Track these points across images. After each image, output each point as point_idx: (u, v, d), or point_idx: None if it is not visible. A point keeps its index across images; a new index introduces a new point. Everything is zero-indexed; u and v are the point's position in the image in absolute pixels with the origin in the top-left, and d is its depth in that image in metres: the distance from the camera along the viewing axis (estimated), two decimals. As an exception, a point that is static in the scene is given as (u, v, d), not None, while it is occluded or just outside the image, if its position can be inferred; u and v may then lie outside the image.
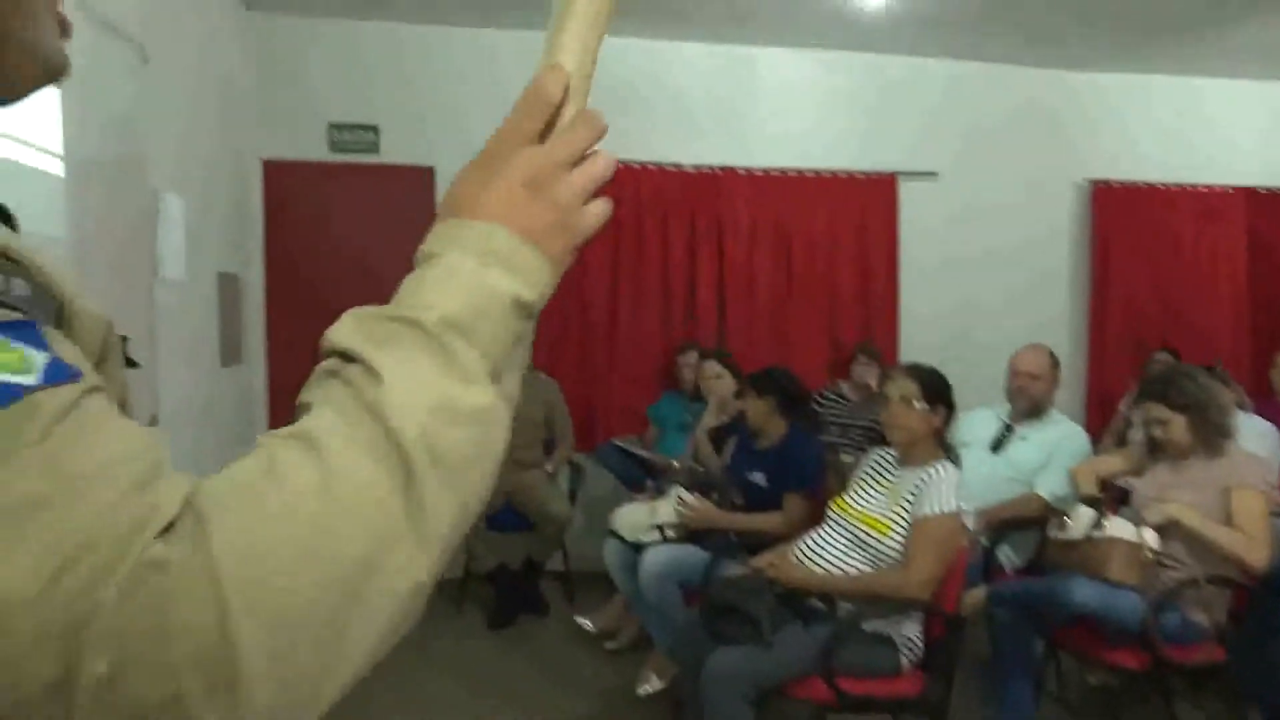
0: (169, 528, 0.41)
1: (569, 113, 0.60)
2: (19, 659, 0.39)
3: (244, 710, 0.41)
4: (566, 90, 0.60)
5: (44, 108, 2.11)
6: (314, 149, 4.81)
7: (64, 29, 0.61)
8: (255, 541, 0.42)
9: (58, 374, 0.42)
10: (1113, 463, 3.32)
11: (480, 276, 0.54)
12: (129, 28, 2.72)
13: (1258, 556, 2.72)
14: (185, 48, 3.55)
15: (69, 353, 0.45)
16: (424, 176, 4.92)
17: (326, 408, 0.48)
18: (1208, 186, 5.82)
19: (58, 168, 2.17)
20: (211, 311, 3.85)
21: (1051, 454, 3.51)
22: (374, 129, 4.86)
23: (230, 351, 4.11)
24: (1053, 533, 2.98)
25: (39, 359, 0.42)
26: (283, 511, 0.43)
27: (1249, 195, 5.86)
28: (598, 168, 0.60)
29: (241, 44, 4.54)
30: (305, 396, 0.51)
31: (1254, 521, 2.76)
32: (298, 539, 0.43)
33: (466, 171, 0.59)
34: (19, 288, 0.47)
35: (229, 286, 4.11)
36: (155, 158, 2.97)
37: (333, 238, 4.86)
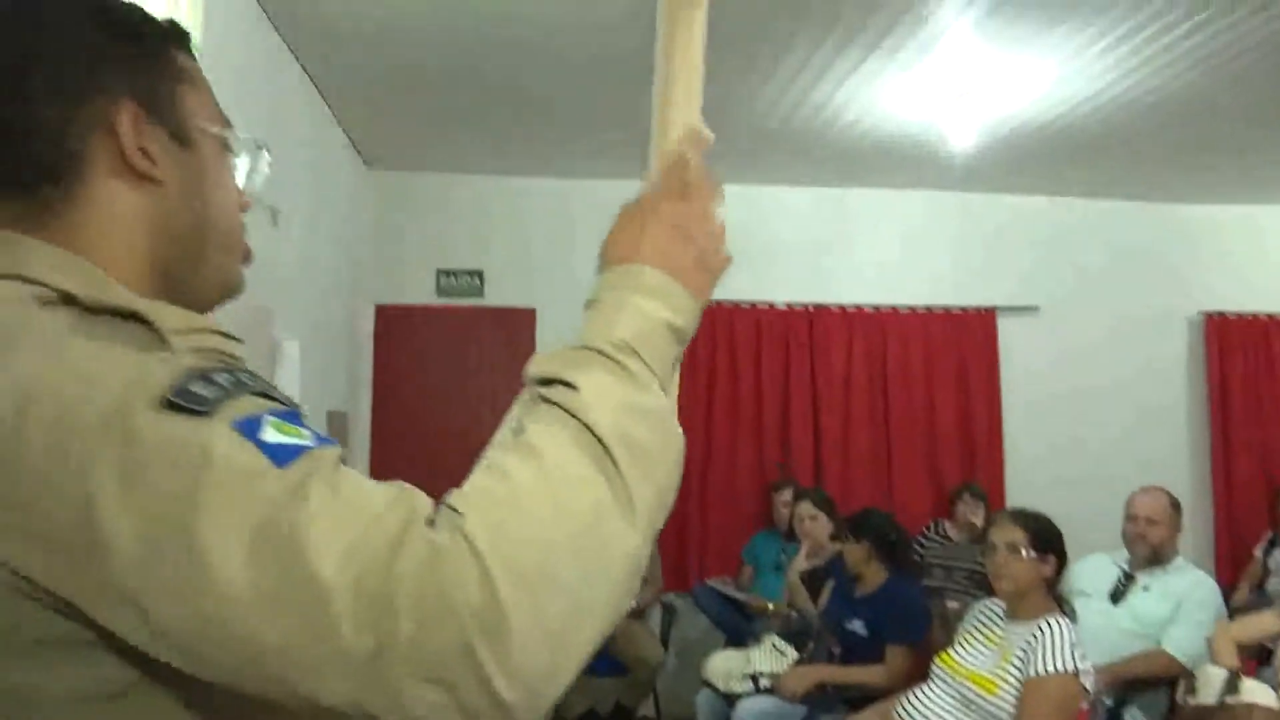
0: (430, 523, 0.54)
1: (694, 163, 0.74)
2: (346, 640, 0.50)
3: (518, 656, 0.51)
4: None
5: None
6: (423, 293, 5.09)
7: (246, 257, 0.78)
8: (498, 522, 0.53)
9: (325, 441, 0.57)
10: (1262, 624, 3.03)
11: (642, 308, 0.66)
12: (263, 193, 2.99)
13: None
14: (310, 205, 3.86)
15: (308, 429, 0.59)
16: (526, 317, 5.13)
17: (533, 420, 0.60)
18: (1331, 317, 5.54)
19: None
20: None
21: (1179, 605, 3.26)
22: (479, 274, 5.12)
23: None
24: (1182, 698, 2.73)
25: (309, 433, 0.57)
26: (513, 497, 0.55)
27: (1381, 326, 5.54)
28: (721, 216, 0.73)
29: (360, 199, 4.91)
30: (513, 415, 0.64)
31: None
32: (530, 517, 0.54)
33: (621, 224, 0.72)
34: (279, 391, 0.61)
35: (338, 424, 4.30)
36: (278, 308, 3.19)
37: (437, 375, 5.07)
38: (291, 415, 0.58)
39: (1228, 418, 5.39)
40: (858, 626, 3.33)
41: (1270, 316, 5.51)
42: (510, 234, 5.18)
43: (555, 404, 0.60)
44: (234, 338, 0.68)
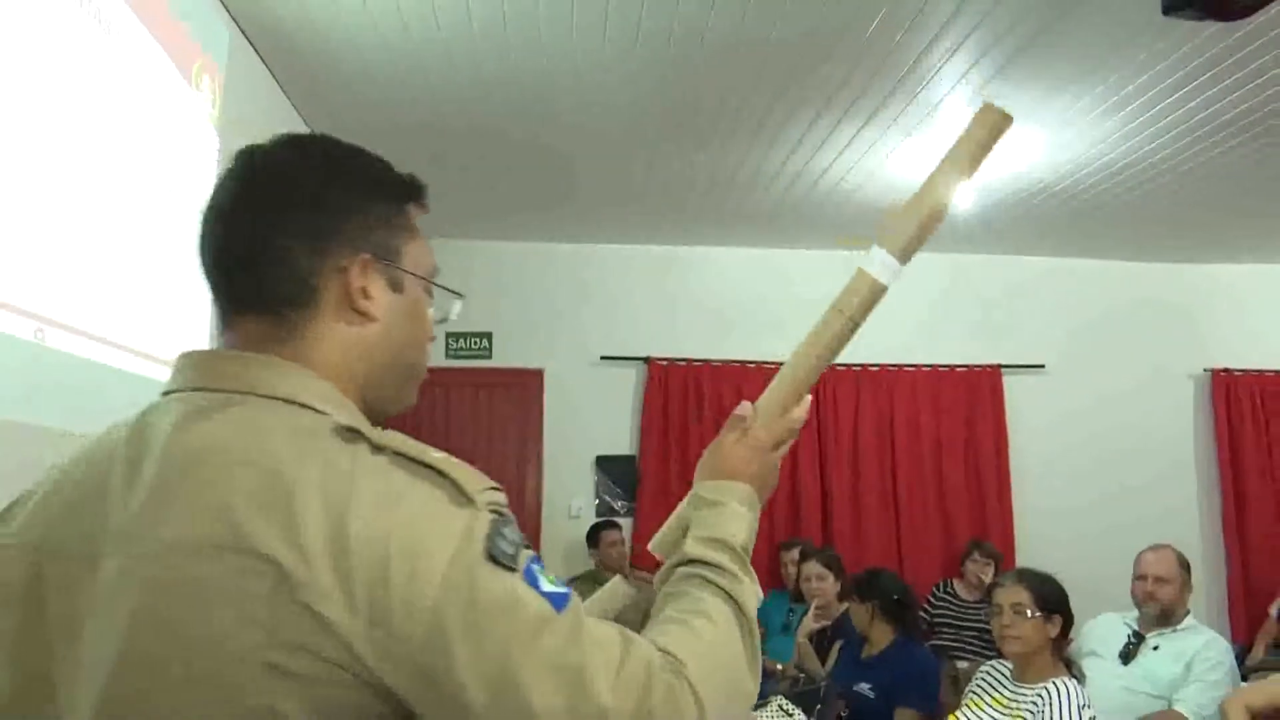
0: (660, 666, 0.74)
1: (792, 432, 1.04)
2: None
3: None
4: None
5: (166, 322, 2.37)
6: (433, 357, 5.15)
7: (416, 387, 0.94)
8: (702, 670, 0.76)
9: (568, 588, 0.75)
10: (1275, 690, 2.99)
11: (747, 518, 0.94)
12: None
13: None
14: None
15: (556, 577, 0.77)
16: (533, 378, 5.19)
17: (705, 593, 0.85)
18: (1338, 372, 5.55)
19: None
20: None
21: (1190, 665, 3.22)
22: (488, 336, 5.20)
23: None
24: None
25: (555, 577, 0.75)
26: (708, 651, 0.79)
27: (1388, 382, 5.55)
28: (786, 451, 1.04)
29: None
30: (672, 585, 0.88)
31: None
32: (716, 664, 0.79)
33: (735, 449, 0.99)
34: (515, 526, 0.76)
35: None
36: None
37: (448, 436, 5.11)
38: (539, 559, 0.76)
39: (1239, 474, 5.38)
40: (865, 689, 3.30)
41: (1276, 372, 5.52)
42: (519, 296, 5.27)
43: (723, 584, 0.86)
44: (500, 489, 0.78)
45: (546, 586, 0.72)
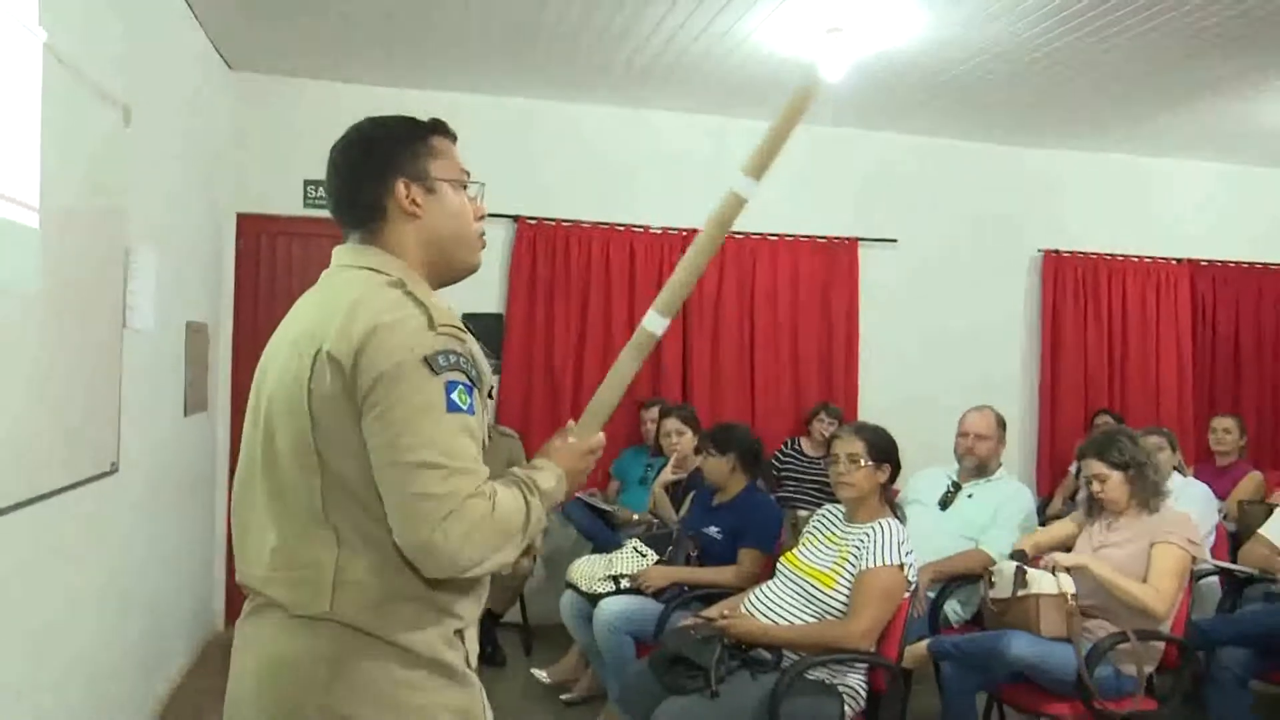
0: (485, 484, 1.28)
1: (596, 447, 1.53)
2: (434, 490, 1.25)
3: (474, 551, 1.25)
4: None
5: (23, 163, 2.21)
6: (289, 204, 4.93)
7: (482, 246, 1.51)
8: (501, 505, 1.28)
9: (468, 410, 1.28)
10: (1058, 531, 3.42)
11: (553, 486, 1.41)
12: (114, 90, 2.84)
13: (1162, 609, 2.86)
14: (168, 106, 3.67)
15: (478, 404, 1.31)
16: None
17: (516, 488, 1.33)
18: (1154, 258, 6.08)
19: (34, 220, 2.26)
20: (178, 360, 3.91)
21: (997, 511, 3.63)
22: (349, 185, 4.98)
23: (195, 400, 4.16)
24: (983, 591, 3.08)
25: (469, 401, 1.28)
26: (504, 505, 1.29)
27: (1193, 267, 6.13)
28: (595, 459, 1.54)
29: (223, 102, 4.68)
30: (507, 476, 1.36)
31: (1164, 576, 2.88)
32: (508, 516, 1.29)
33: (562, 446, 1.49)
34: (474, 363, 1.32)
35: (197, 336, 4.18)
36: (132, 211, 3.06)
37: (306, 285, 4.95)
38: (468, 387, 1.28)
39: (1056, 346, 5.89)
40: (713, 531, 3.56)
41: (1100, 255, 6.00)
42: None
43: (526, 492, 1.35)
44: (467, 329, 1.33)
45: (455, 397, 1.26)
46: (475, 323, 4.99)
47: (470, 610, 1.37)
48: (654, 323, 1.51)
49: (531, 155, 5.14)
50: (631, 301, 5.23)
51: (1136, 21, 3.91)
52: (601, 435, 1.51)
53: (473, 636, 1.40)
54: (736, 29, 4.10)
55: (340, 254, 1.43)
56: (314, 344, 1.28)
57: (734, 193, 1.57)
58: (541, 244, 5.13)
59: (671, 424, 4.37)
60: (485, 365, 1.35)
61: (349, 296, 1.30)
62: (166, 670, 3.88)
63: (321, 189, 4.83)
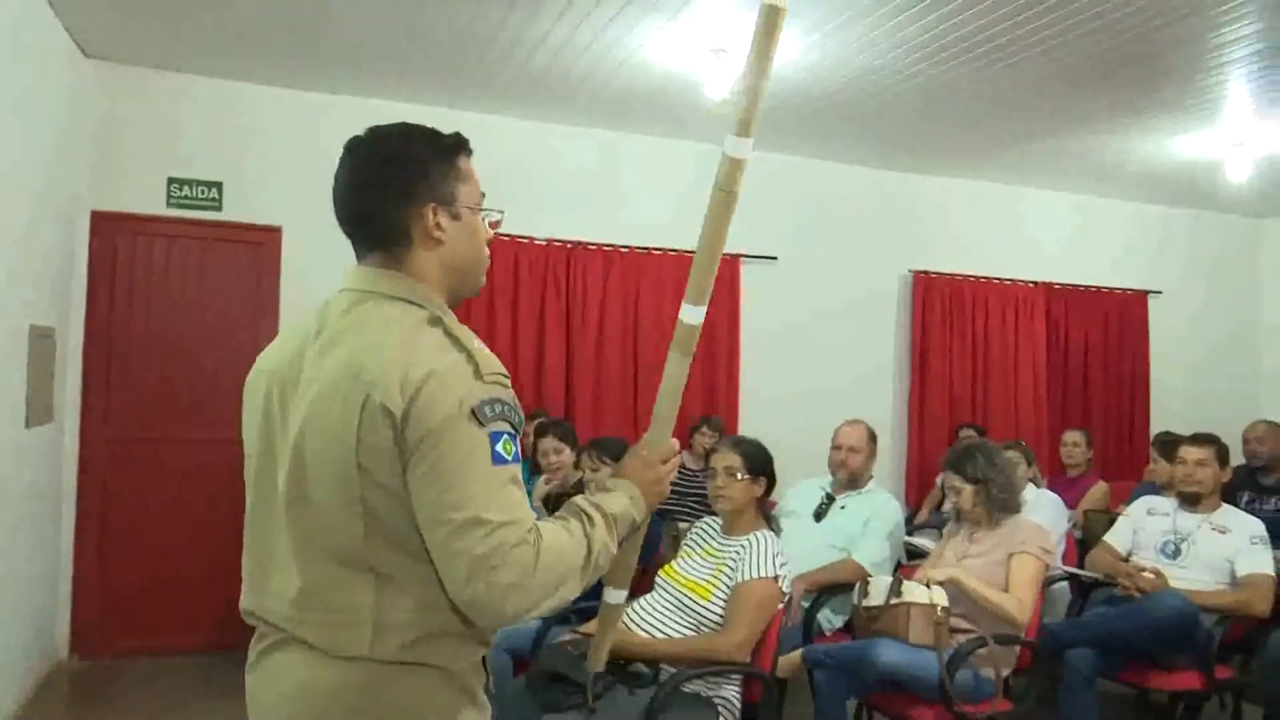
0: (529, 531, 1.23)
1: (671, 459, 1.52)
2: (478, 548, 1.21)
3: (523, 599, 1.22)
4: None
5: None
6: (149, 203, 4.66)
7: (483, 278, 1.47)
8: (548, 548, 1.24)
9: (514, 461, 1.25)
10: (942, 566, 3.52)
11: (626, 505, 1.42)
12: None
13: (1024, 618, 3.03)
14: (13, 93, 3.42)
15: (515, 452, 1.27)
16: (271, 236, 4.85)
17: (574, 520, 1.33)
18: (1014, 281, 6.44)
19: None
20: (19, 367, 3.62)
21: (868, 522, 3.74)
22: (217, 185, 4.76)
23: (38, 410, 3.86)
24: (857, 599, 3.18)
25: (514, 450, 1.25)
26: (559, 545, 1.27)
27: (1048, 290, 6.53)
28: (672, 466, 1.52)
29: (77, 91, 4.38)
30: (561, 511, 1.37)
31: (1024, 585, 3.05)
32: (559, 560, 1.26)
33: (633, 460, 1.50)
34: (516, 411, 1.28)
35: (41, 341, 3.89)
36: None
37: (166, 293, 4.69)
38: (512, 436, 1.26)
39: (925, 363, 6.17)
40: (594, 546, 3.53)
41: (965, 277, 6.32)
42: (256, 146, 4.85)
43: (585, 521, 1.34)
44: (507, 376, 1.30)
45: (500, 448, 1.23)
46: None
47: (487, 642, 1.37)
48: (690, 314, 1.49)
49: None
50: (515, 313, 5.18)
51: (999, 58, 4.15)
52: (674, 442, 1.51)
53: (489, 665, 1.41)
54: (624, 43, 4.13)
55: (361, 277, 1.35)
56: (361, 390, 1.23)
57: (728, 156, 1.55)
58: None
59: (549, 443, 4.30)
60: (519, 408, 1.32)
61: (394, 338, 1.26)
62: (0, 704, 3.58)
63: (187, 188, 4.70)
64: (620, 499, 1.40)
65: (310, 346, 1.33)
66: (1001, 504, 3.19)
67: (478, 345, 1.29)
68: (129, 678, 4.29)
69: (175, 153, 4.70)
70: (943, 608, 2.96)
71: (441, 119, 4.92)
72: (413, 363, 1.23)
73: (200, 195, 4.73)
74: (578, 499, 1.38)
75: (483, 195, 1.41)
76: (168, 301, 4.69)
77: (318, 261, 4.88)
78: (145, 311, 4.65)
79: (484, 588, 1.19)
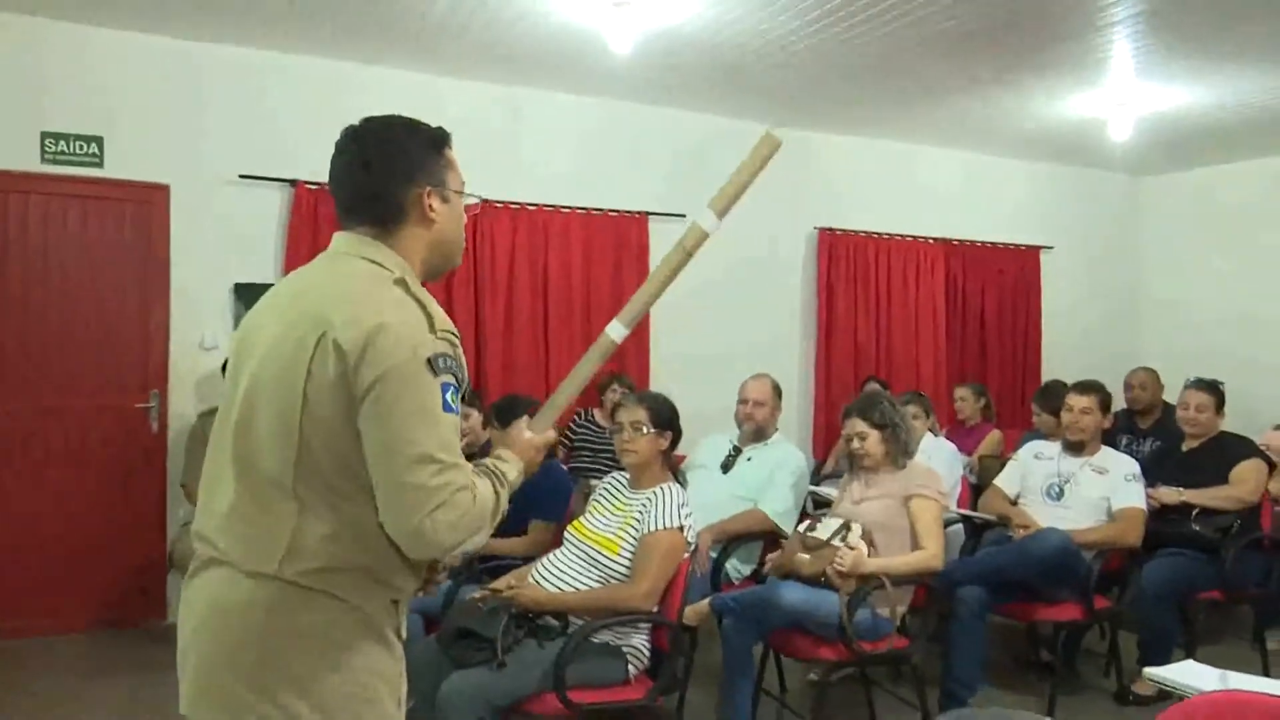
0: (468, 477, 1.42)
1: (547, 440, 1.67)
2: (422, 478, 1.37)
3: (457, 535, 1.39)
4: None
5: None
6: (21, 158, 4.38)
7: (460, 257, 1.64)
8: (480, 496, 1.43)
9: (455, 409, 1.42)
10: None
11: (516, 476, 1.58)
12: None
13: (939, 563, 3.17)
14: None
15: (458, 405, 1.43)
16: (158, 194, 4.63)
17: (489, 479, 1.49)
18: (914, 238, 6.62)
19: None
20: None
21: (773, 473, 3.84)
22: (97, 140, 4.50)
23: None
24: (803, 527, 3.28)
25: (457, 401, 1.42)
26: (483, 496, 1.44)
27: (946, 246, 6.74)
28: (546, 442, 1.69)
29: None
30: (477, 469, 1.50)
31: (930, 533, 3.19)
32: (483, 509, 1.43)
33: (519, 440, 1.63)
34: (462, 367, 1.46)
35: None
36: None
37: (43, 255, 4.44)
38: (456, 389, 1.40)
39: (830, 318, 6.31)
40: (504, 504, 3.53)
41: (868, 234, 6.47)
42: (140, 99, 4.59)
43: (496, 483, 1.51)
44: (458, 335, 1.45)
45: (449, 399, 1.38)
46: (250, 294, 4.67)
47: (408, 584, 1.48)
48: (616, 331, 1.69)
49: (309, 117, 4.83)
50: (421, 272, 5.08)
51: (894, 17, 4.21)
52: (553, 432, 1.68)
53: (404, 611, 1.51)
54: (524, -5, 4.04)
55: (344, 241, 1.52)
56: (317, 328, 1.37)
57: (697, 225, 1.76)
58: (325, 210, 4.86)
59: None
60: (465, 366, 1.48)
61: (355, 287, 1.42)
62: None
63: (64, 143, 4.43)
64: (513, 469, 1.57)
65: (282, 293, 1.52)
66: (903, 448, 3.33)
67: (435, 306, 1.45)
68: (11, 662, 4.12)
69: (48, 105, 4.42)
70: (851, 547, 3.07)
71: (336, 72, 4.74)
72: (370, 310, 1.37)
73: (79, 150, 4.47)
74: (487, 461, 1.54)
75: (464, 182, 1.59)
76: (45, 264, 4.44)
77: (209, 220, 4.70)
78: (20, 274, 4.40)
79: (428, 523, 1.34)
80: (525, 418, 1.69)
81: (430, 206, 1.51)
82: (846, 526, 3.18)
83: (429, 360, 1.36)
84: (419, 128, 1.56)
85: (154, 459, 4.64)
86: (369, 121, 1.54)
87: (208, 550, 1.45)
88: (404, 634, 1.51)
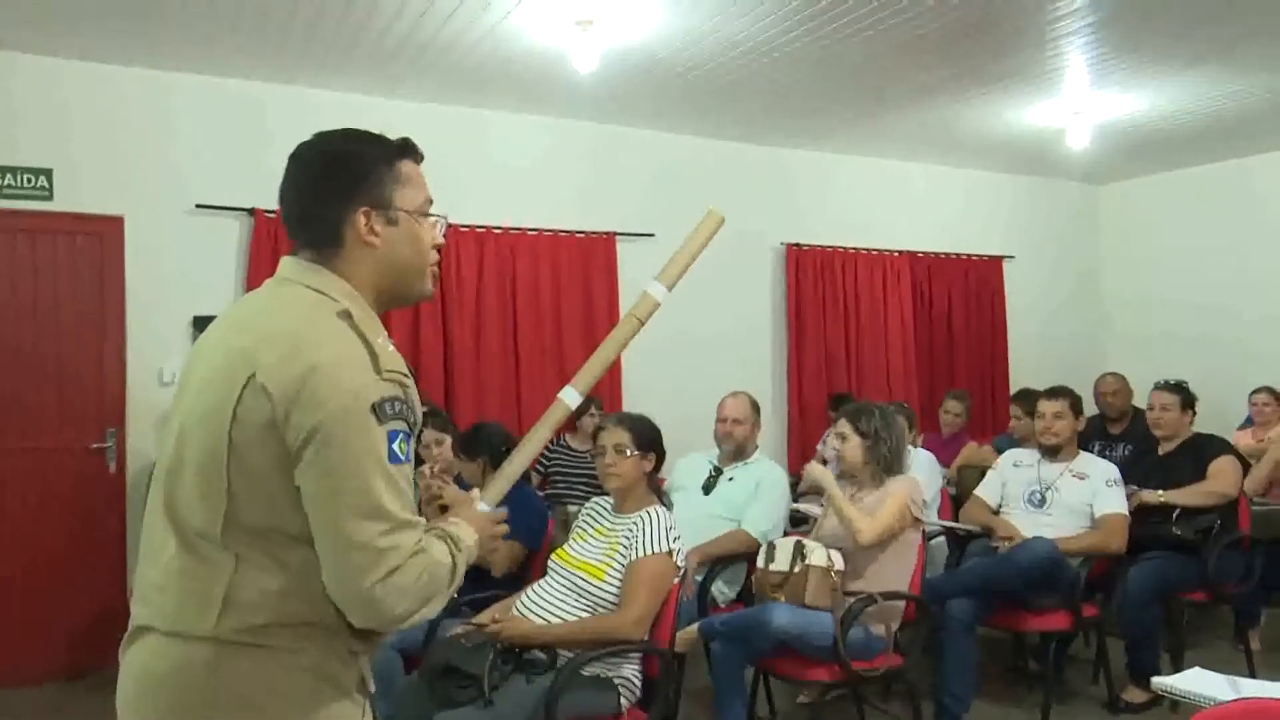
0: (421, 537, 1.29)
1: (496, 529, 1.54)
2: (374, 539, 1.23)
3: (410, 604, 1.26)
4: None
5: None
6: (-31, 192, 4.22)
7: (435, 279, 1.46)
8: (431, 556, 1.29)
9: (405, 460, 1.27)
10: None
11: (471, 547, 1.41)
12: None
13: (866, 533, 3.09)
14: None
15: (409, 452, 1.28)
16: (111, 226, 4.49)
17: (444, 543, 1.34)
18: (880, 250, 6.65)
19: None
20: None
21: (755, 491, 3.79)
22: (46, 173, 4.36)
23: None
24: (762, 563, 3.20)
25: (408, 450, 1.27)
26: (432, 561, 1.29)
27: (912, 258, 6.77)
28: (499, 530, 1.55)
29: None
30: (430, 532, 1.34)
31: (881, 516, 3.12)
32: (435, 574, 1.29)
33: (477, 517, 1.48)
34: (413, 411, 1.30)
35: None
36: None
37: (-7, 292, 4.28)
38: (407, 435, 1.26)
39: (800, 333, 6.30)
40: (481, 534, 3.43)
41: (834, 248, 6.48)
42: (90, 129, 4.46)
43: (452, 547, 1.35)
44: (410, 375, 1.30)
45: (396, 447, 1.24)
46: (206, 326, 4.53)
47: (365, 638, 1.32)
48: (570, 397, 1.64)
49: (267, 143, 4.72)
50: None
51: (861, 28, 4.22)
52: (503, 511, 1.56)
53: (366, 663, 1.35)
54: (486, 14, 3.99)
55: (289, 266, 1.37)
56: (247, 368, 1.23)
57: (648, 294, 1.73)
58: (284, 239, 4.73)
59: (429, 434, 4.12)
60: (419, 410, 1.34)
61: (289, 323, 1.27)
62: None
63: (10, 176, 4.28)
64: (469, 539, 1.41)
65: (228, 321, 1.38)
66: (888, 465, 3.28)
67: (381, 342, 1.29)
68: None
69: (5, 138, 4.27)
70: (837, 570, 3.02)
71: (294, 98, 4.65)
72: (305, 349, 1.23)
73: (27, 184, 4.32)
74: (440, 524, 1.40)
75: (429, 200, 1.41)
76: (2, 298, 4.27)
77: (166, 251, 4.57)
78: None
79: (379, 589, 1.21)
80: (476, 491, 1.57)
81: (371, 230, 1.34)
82: (801, 544, 3.12)
83: (373, 406, 1.21)
84: (366, 141, 1.39)
85: (112, 501, 4.47)
86: (316, 137, 1.39)
87: (141, 614, 1.31)
88: (370, 686, 1.36)
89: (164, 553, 1.28)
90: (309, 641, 1.26)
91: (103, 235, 4.48)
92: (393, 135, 1.43)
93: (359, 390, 1.21)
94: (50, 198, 4.36)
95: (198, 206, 4.62)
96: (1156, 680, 1.93)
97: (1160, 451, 4.20)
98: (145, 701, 1.28)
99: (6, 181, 4.28)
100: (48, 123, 4.37)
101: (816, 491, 4.98)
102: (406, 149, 1.41)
